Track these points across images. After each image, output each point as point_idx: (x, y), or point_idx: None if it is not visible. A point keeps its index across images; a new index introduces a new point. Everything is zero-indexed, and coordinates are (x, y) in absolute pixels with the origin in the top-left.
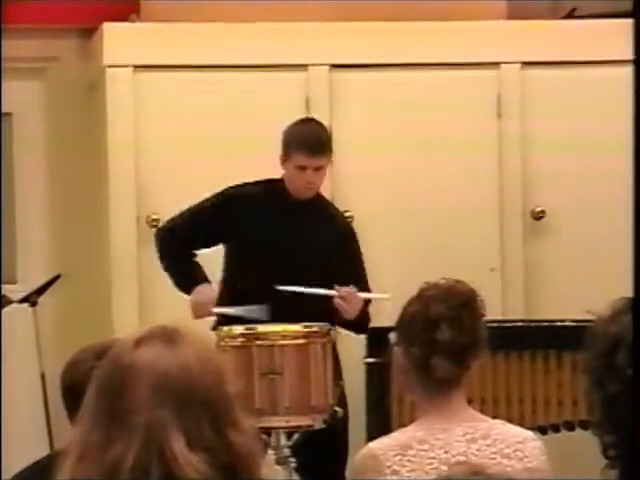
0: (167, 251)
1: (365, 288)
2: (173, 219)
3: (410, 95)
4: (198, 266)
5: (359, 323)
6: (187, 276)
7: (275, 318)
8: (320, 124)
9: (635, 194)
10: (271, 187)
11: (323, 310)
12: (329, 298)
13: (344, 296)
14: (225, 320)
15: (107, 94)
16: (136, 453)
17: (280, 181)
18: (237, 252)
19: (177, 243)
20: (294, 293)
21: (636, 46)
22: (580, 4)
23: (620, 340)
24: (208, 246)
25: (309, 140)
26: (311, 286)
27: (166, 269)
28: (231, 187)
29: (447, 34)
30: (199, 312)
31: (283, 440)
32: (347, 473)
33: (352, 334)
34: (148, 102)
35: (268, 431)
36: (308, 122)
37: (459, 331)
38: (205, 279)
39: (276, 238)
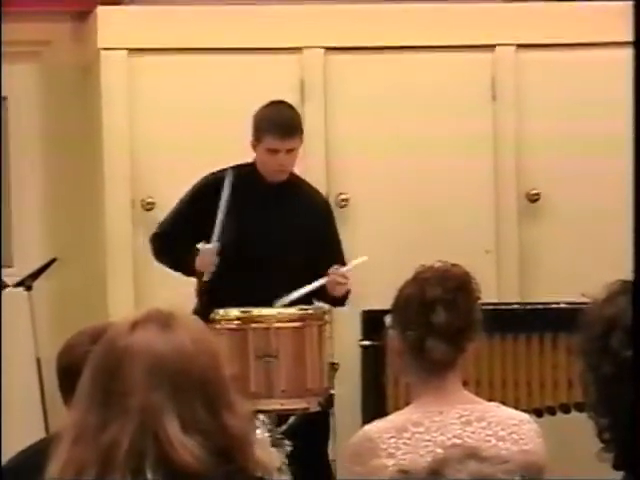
0: (162, 254)
1: (343, 263)
2: (161, 224)
3: (405, 77)
4: (191, 250)
5: (341, 297)
6: (185, 261)
7: (263, 302)
8: (290, 106)
9: (635, 176)
10: (244, 172)
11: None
12: (312, 278)
13: (337, 279)
14: (206, 305)
15: (101, 77)
16: (131, 436)
17: (252, 165)
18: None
19: (169, 246)
20: (279, 275)
21: (636, 28)
22: None
23: (614, 322)
24: (199, 240)
25: (280, 123)
26: (294, 265)
27: (163, 263)
28: (205, 176)
29: (442, 16)
30: (207, 263)
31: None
32: (342, 455)
33: (343, 316)
34: (142, 85)
35: (263, 414)
36: (278, 105)
37: (454, 314)
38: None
39: (254, 223)
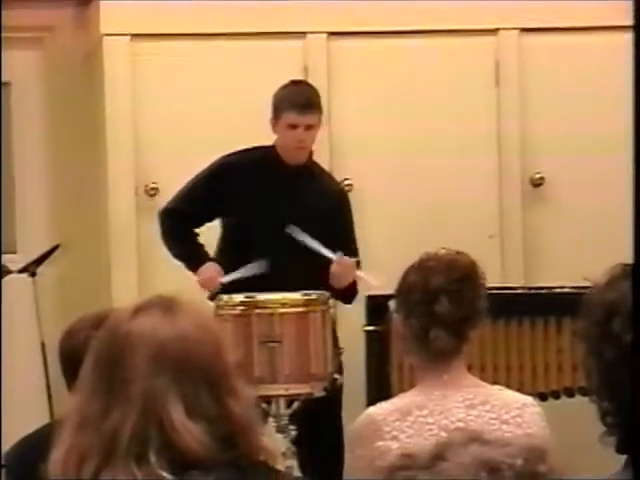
0: (170, 233)
1: (355, 255)
2: (173, 199)
3: (408, 63)
4: (201, 246)
5: (348, 293)
6: (191, 257)
7: (272, 285)
8: (309, 85)
9: (635, 161)
10: (264, 154)
11: (318, 277)
12: (325, 266)
13: (342, 264)
14: (222, 290)
15: (104, 63)
16: (134, 422)
17: (272, 148)
18: (233, 221)
19: (179, 223)
20: (293, 265)
21: (636, 11)
22: None
23: (616, 307)
24: (210, 219)
25: (299, 99)
26: (305, 254)
27: (170, 250)
28: (224, 156)
29: (445, 0)
30: (207, 285)
31: (283, 408)
32: (346, 438)
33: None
34: (145, 71)
35: (268, 399)
36: (297, 83)
37: (458, 304)
38: (209, 259)
39: (271, 206)
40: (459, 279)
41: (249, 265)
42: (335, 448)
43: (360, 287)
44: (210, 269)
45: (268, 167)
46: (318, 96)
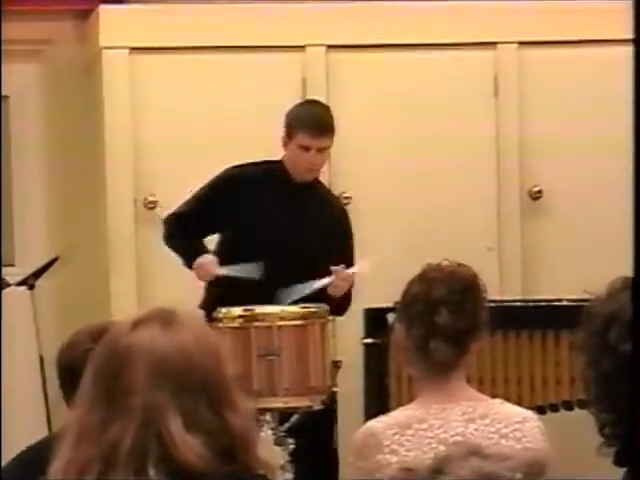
0: (172, 234)
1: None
2: (180, 207)
3: (407, 76)
4: (200, 242)
5: (341, 305)
6: (189, 252)
7: (270, 296)
8: (324, 105)
9: (635, 173)
10: (271, 169)
11: (317, 290)
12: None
13: (342, 277)
14: (213, 300)
15: (103, 76)
16: (134, 434)
17: (279, 163)
18: (235, 234)
19: (182, 227)
20: (293, 275)
21: (636, 25)
22: None
23: (614, 317)
24: (214, 231)
25: (314, 121)
26: (308, 268)
27: (170, 247)
28: (231, 168)
29: (444, 14)
30: (203, 276)
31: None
32: (346, 452)
33: (345, 314)
34: (144, 84)
35: (266, 412)
36: (313, 103)
37: (459, 316)
38: (207, 251)
39: (275, 221)
40: (460, 291)
41: (246, 265)
42: (327, 461)
43: (357, 294)
44: (206, 260)
45: (274, 182)
46: (332, 118)
